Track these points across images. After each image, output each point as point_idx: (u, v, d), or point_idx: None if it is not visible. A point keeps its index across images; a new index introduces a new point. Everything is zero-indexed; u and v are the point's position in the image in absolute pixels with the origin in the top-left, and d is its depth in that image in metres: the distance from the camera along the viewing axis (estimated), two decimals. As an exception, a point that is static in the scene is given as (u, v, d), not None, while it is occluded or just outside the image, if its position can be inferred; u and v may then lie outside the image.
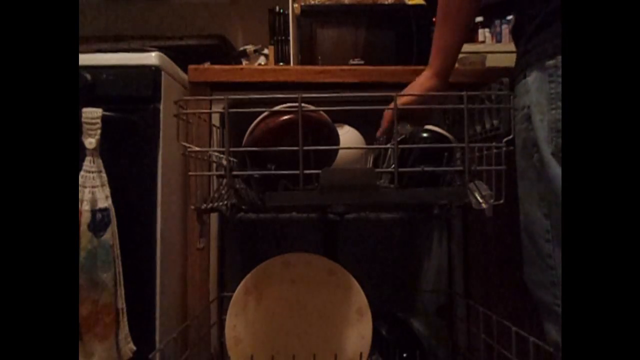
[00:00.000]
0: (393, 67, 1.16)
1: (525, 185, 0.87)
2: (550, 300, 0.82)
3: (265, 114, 0.79)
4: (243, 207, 0.85)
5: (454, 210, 1.01)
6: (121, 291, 0.99)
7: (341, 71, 1.15)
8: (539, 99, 0.81)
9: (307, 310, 0.90)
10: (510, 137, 0.76)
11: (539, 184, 0.83)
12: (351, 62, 1.38)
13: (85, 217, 0.96)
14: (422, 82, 0.97)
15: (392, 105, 0.73)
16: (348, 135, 1.03)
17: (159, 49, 1.12)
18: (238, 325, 0.90)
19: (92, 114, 0.99)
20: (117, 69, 1.06)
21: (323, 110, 0.81)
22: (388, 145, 0.91)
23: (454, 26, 0.94)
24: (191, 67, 1.13)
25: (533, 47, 0.83)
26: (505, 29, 2.34)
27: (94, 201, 0.97)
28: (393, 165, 0.72)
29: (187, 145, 0.76)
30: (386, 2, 1.50)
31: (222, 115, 1.02)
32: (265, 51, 1.63)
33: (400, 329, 1.15)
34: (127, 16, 1.80)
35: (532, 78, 0.83)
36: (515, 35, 0.93)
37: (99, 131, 0.99)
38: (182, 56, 1.22)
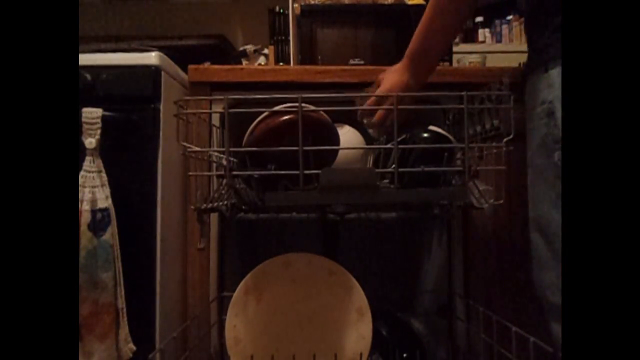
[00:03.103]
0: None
1: (540, 184, 0.84)
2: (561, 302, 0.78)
3: (266, 114, 0.79)
4: (243, 207, 0.85)
5: (454, 210, 1.01)
6: (121, 291, 0.99)
7: (341, 71, 1.15)
8: None
9: (307, 310, 0.90)
10: (510, 137, 0.76)
11: (557, 183, 0.79)
12: (351, 62, 1.38)
13: (85, 217, 0.96)
14: (391, 79, 0.95)
15: (387, 103, 0.73)
16: (348, 135, 1.03)
17: (159, 49, 1.12)
18: (238, 325, 0.90)
19: (92, 114, 0.99)
20: (117, 69, 1.06)
21: (323, 110, 0.81)
22: (388, 145, 0.91)
23: (445, 27, 0.93)
24: (191, 67, 1.13)
25: (558, 39, 0.79)
26: (505, 29, 2.34)
27: (94, 201, 0.97)
28: (393, 165, 0.72)
29: (187, 145, 0.76)
30: (386, 2, 1.51)
31: (222, 115, 1.02)
32: (265, 51, 1.63)
33: (400, 329, 1.15)
34: (127, 16, 1.81)
35: (557, 72, 0.79)
36: (531, 27, 0.90)
37: (99, 131, 0.99)
38: (182, 56, 1.22)
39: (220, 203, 0.83)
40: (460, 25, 0.94)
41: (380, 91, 0.95)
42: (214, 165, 0.89)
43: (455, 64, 1.64)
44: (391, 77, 0.96)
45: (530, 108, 0.86)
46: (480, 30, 2.37)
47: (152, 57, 1.07)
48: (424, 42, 0.95)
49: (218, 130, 0.99)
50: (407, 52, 0.96)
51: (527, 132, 0.87)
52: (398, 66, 0.98)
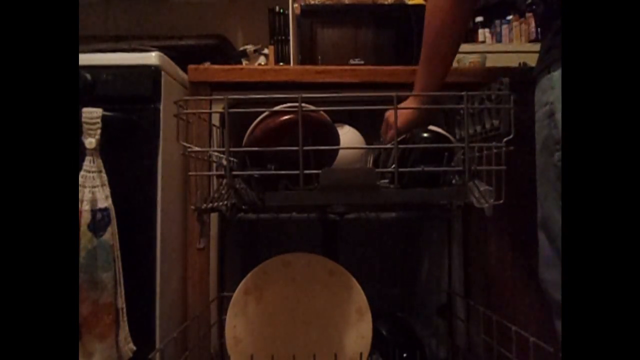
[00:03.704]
0: (393, 67, 1.16)
1: (544, 184, 0.85)
2: None
3: (266, 114, 0.79)
4: (243, 207, 0.85)
5: (454, 210, 1.01)
6: (121, 291, 0.99)
7: (341, 71, 1.15)
8: None
9: (307, 310, 0.90)
10: (510, 137, 0.76)
11: (558, 184, 0.80)
12: (351, 62, 1.38)
13: (85, 217, 0.96)
14: (405, 112, 0.99)
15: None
16: (348, 135, 1.03)
17: (159, 49, 1.12)
18: (238, 325, 0.90)
19: (92, 114, 0.99)
20: (117, 69, 1.06)
21: (323, 110, 0.81)
22: (388, 145, 0.91)
23: (438, 68, 0.98)
24: (191, 67, 1.13)
25: (560, 42, 0.81)
26: (505, 29, 2.34)
27: (94, 201, 0.97)
28: (393, 165, 0.72)
29: (187, 145, 0.76)
30: (386, 2, 1.50)
31: (222, 115, 1.02)
32: (265, 51, 1.63)
33: (400, 329, 1.15)
34: (127, 16, 1.81)
35: (559, 73, 0.80)
36: (541, 29, 0.92)
37: (99, 131, 0.99)
38: (182, 56, 1.22)
39: (220, 203, 0.83)
40: (457, 48, 0.99)
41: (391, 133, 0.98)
42: (214, 165, 0.89)
43: (455, 64, 1.63)
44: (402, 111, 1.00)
45: (536, 109, 0.87)
46: (480, 30, 2.37)
47: (152, 57, 1.07)
48: (427, 75, 0.98)
49: (218, 130, 0.99)
50: (415, 84, 1.00)
51: (536, 132, 0.88)
52: (408, 100, 1.02)
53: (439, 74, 0.98)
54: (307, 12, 1.43)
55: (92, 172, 0.98)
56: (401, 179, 0.73)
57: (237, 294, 0.91)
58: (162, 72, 1.08)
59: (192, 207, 0.81)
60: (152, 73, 1.06)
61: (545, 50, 0.86)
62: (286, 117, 0.78)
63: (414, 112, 0.98)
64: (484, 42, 2.32)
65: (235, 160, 0.80)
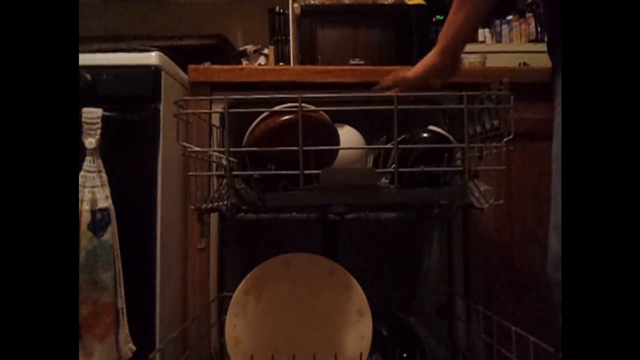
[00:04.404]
0: (393, 67, 1.16)
1: (560, 181, 0.85)
2: None
3: (266, 114, 0.79)
4: (243, 207, 0.85)
5: (454, 210, 1.01)
6: (121, 291, 0.99)
7: (341, 71, 1.15)
8: None
9: (307, 310, 0.90)
10: (511, 137, 0.76)
11: None
12: (351, 62, 1.39)
13: (85, 217, 0.96)
14: (427, 58, 0.96)
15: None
16: (348, 135, 1.03)
17: (159, 49, 1.12)
18: (238, 325, 0.90)
19: (92, 114, 0.99)
20: (117, 69, 1.06)
21: (323, 110, 0.81)
22: (388, 145, 0.91)
23: (471, 6, 0.92)
24: (191, 67, 1.13)
25: None
26: (505, 29, 2.34)
27: (94, 201, 0.97)
28: (393, 165, 0.72)
29: (187, 145, 0.76)
30: (386, 2, 1.51)
31: (222, 115, 1.02)
32: (265, 51, 1.63)
33: (400, 329, 1.15)
34: (127, 16, 1.81)
35: None
36: (552, 25, 0.90)
37: (99, 131, 0.99)
38: (182, 56, 1.22)
39: (220, 203, 0.83)
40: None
41: (410, 72, 0.96)
42: (214, 165, 0.89)
43: (464, 46, 1.63)
44: (423, 61, 0.97)
45: (556, 105, 0.86)
46: (480, 30, 2.37)
47: (152, 57, 1.07)
48: (457, 28, 0.94)
49: (218, 130, 0.99)
50: (440, 36, 0.96)
51: (553, 128, 0.87)
52: (432, 52, 0.98)
53: (471, 15, 0.92)
54: (307, 12, 1.43)
55: (92, 172, 0.98)
56: (401, 179, 0.73)
57: (237, 294, 0.91)
58: (162, 72, 1.08)
59: (192, 207, 0.81)
60: (152, 73, 1.06)
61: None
62: (286, 117, 0.78)
63: (437, 57, 0.95)
64: (484, 42, 2.31)
65: (235, 160, 0.80)
